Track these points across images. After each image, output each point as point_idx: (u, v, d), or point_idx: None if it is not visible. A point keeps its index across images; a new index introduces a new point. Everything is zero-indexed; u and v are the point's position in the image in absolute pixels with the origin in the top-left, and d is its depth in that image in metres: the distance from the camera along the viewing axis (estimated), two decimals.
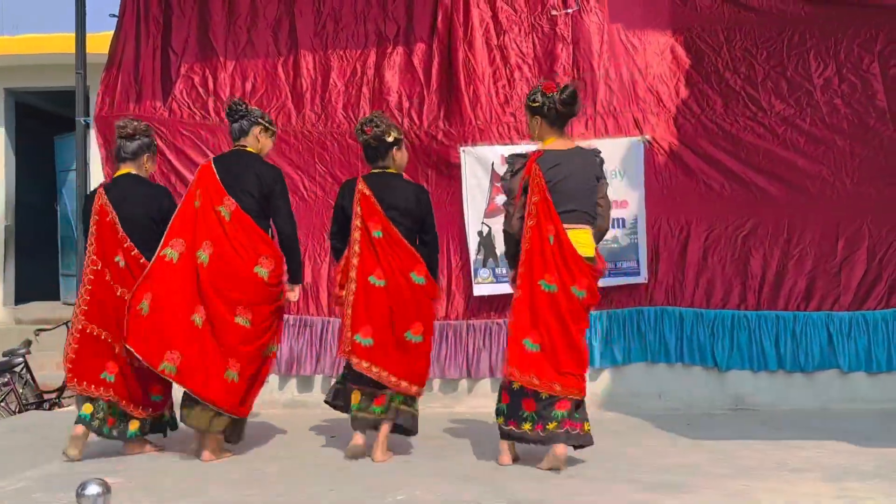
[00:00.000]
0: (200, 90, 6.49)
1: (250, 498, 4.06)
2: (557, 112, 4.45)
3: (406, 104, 6.36)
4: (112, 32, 6.67)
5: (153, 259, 4.69)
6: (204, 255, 4.67)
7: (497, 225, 6.17)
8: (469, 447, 5.06)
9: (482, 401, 6.20)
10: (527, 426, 4.39)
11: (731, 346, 6.11)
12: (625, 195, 6.13)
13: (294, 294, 4.91)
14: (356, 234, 4.67)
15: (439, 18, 6.35)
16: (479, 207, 6.20)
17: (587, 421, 4.43)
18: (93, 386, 4.77)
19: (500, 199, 6.16)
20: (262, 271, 4.70)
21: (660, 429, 5.44)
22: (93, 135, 6.69)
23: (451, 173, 6.22)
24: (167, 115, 6.44)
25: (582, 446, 4.45)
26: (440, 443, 5.21)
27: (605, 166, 4.55)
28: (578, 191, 4.38)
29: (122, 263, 4.77)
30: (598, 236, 4.50)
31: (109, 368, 4.79)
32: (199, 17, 6.53)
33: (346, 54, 6.46)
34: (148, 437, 5.04)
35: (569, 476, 4.36)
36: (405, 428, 4.81)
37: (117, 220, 4.78)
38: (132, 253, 4.77)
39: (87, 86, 6.77)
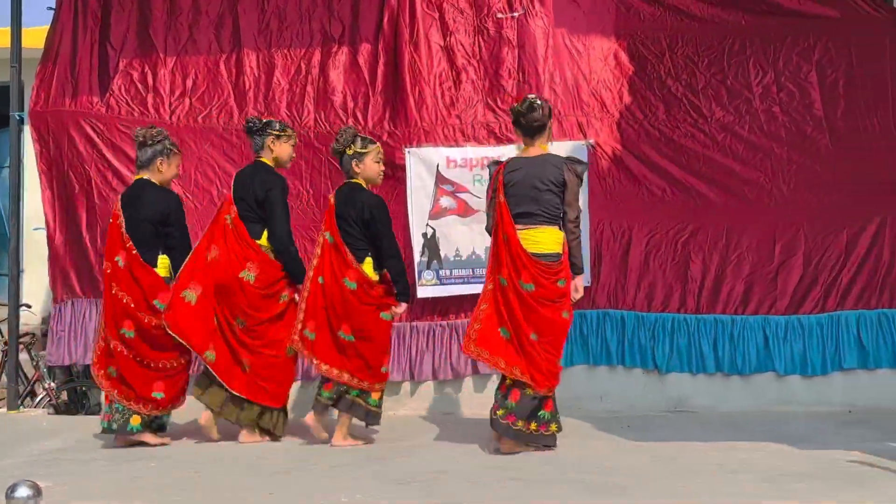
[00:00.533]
0: (139, 86, 6.36)
1: (181, 503, 3.98)
2: (522, 123, 4.91)
3: (351, 104, 6.31)
4: (49, 26, 6.50)
5: (194, 253, 5.08)
6: (210, 259, 5.12)
7: (441, 227, 6.16)
8: (410, 450, 5.03)
9: (424, 403, 6.17)
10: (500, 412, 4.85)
11: (671, 348, 6.18)
12: None
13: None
14: (319, 239, 5.15)
15: (385, 19, 6.32)
16: (424, 209, 6.18)
17: (554, 423, 4.87)
18: (102, 381, 5.14)
19: (445, 200, 6.16)
20: (249, 276, 5.07)
21: (601, 431, 5.47)
22: (27, 130, 6.51)
23: (395, 174, 6.18)
24: (104, 111, 6.30)
25: (547, 447, 4.86)
26: (381, 446, 5.18)
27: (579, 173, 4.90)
28: (527, 195, 4.81)
29: (121, 263, 5.04)
30: (570, 239, 4.88)
31: (113, 364, 5.07)
32: (138, 11, 6.40)
33: (290, 53, 6.39)
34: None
35: (510, 479, 4.36)
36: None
37: (123, 222, 5.07)
38: (133, 253, 5.04)
39: (22, 80, 6.59)
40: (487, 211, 5.05)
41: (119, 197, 5.25)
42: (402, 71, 6.25)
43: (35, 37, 7.14)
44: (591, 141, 6.20)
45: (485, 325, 4.88)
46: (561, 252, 4.87)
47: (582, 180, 4.99)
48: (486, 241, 6.12)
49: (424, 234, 6.15)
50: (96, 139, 6.26)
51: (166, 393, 5.07)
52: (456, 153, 6.18)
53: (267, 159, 5.27)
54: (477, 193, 6.12)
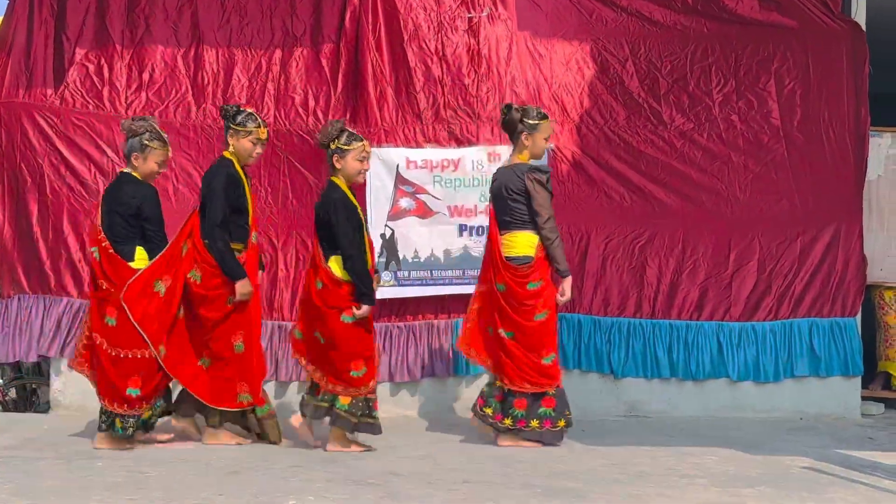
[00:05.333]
0: (95, 79, 6.24)
1: (132, 502, 3.91)
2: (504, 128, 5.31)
3: (312, 103, 6.26)
4: (3, 17, 6.38)
5: (171, 244, 5.01)
6: (184, 253, 5.08)
7: (400, 228, 6.13)
8: (365, 452, 5.00)
9: (381, 405, 6.12)
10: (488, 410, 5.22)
11: (626, 353, 6.21)
12: None
13: (238, 297, 5.01)
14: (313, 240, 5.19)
15: (347, 18, 6.28)
16: (383, 209, 6.14)
17: (534, 419, 5.08)
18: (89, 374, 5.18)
19: (404, 201, 6.14)
20: (195, 275, 5.02)
21: None
22: None
23: None
24: (59, 104, 6.18)
25: (539, 441, 5.10)
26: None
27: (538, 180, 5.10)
28: (503, 204, 5.17)
29: (96, 255, 5.04)
30: (546, 245, 5.12)
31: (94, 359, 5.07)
32: (95, 3, 6.28)
33: (250, 49, 6.32)
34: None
35: (464, 481, 4.35)
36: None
37: (99, 215, 5.06)
38: (103, 244, 5.01)
39: None
40: None
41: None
42: (364, 70, 6.22)
43: None
44: (552, 145, 6.19)
45: (473, 324, 5.34)
46: (533, 255, 5.12)
47: (546, 187, 5.12)
48: (445, 243, 6.13)
49: (383, 235, 6.12)
50: (50, 132, 6.14)
51: (142, 390, 4.92)
52: (416, 154, 6.16)
53: (228, 153, 5.11)
54: (436, 195, 6.11)
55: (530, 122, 5.20)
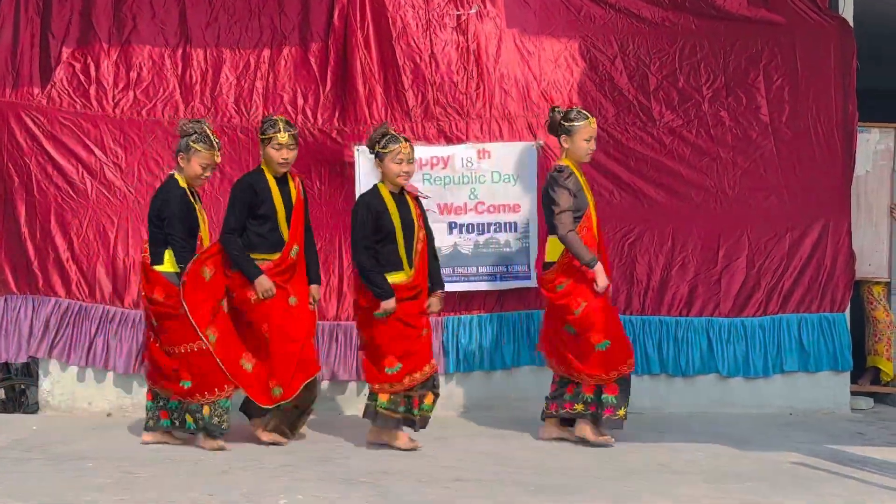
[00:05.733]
0: (82, 78, 6.20)
1: (122, 503, 3.90)
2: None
3: (300, 101, 6.24)
4: None
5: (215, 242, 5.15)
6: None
7: None
8: (356, 451, 5.00)
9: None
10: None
11: None
12: (517, 199, 6.17)
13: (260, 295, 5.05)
14: None
15: (336, 16, 6.25)
16: None
17: (622, 408, 5.11)
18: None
19: None
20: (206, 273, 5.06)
21: None
22: None
23: (344, 172, 6.13)
24: (45, 103, 6.14)
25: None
26: (326, 446, 5.13)
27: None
28: (544, 208, 5.27)
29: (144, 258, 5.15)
30: (561, 241, 5.12)
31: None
32: (81, 1, 6.24)
33: (239, 48, 6.29)
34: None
35: (455, 479, 4.35)
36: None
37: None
38: (144, 246, 5.13)
39: None
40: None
41: None
42: (353, 68, 6.20)
43: None
44: (541, 142, 6.21)
45: (543, 326, 5.50)
46: (556, 260, 5.16)
47: (561, 183, 5.13)
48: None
49: None
50: (37, 132, 6.10)
51: (192, 381, 4.93)
52: None
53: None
54: (425, 192, 6.09)
55: (566, 124, 5.21)
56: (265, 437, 5.09)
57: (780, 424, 5.88)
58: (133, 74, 6.22)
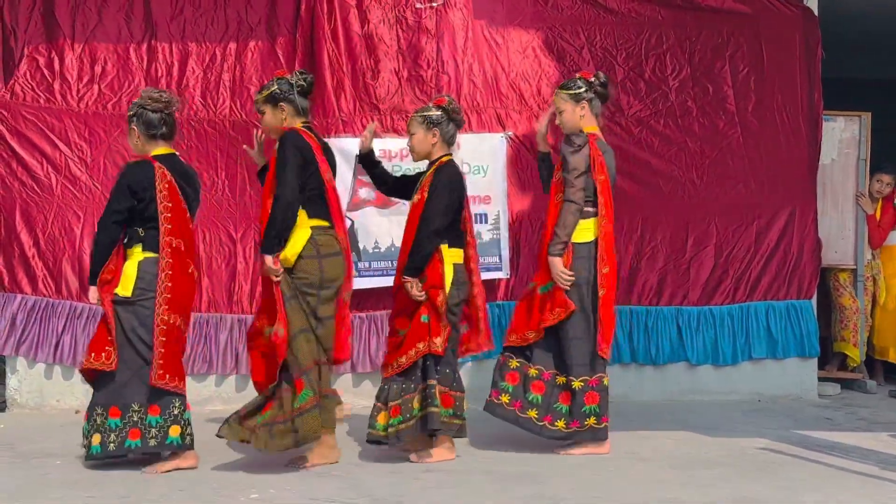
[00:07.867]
0: (46, 72, 6.12)
1: (91, 500, 3.87)
2: (600, 97, 4.98)
3: None
4: None
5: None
6: None
7: (360, 218, 6.10)
8: None
9: (344, 396, 6.10)
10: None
11: None
12: (488, 191, 6.17)
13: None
14: None
15: (303, 8, 6.21)
16: (343, 200, 6.07)
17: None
18: None
19: (364, 192, 6.10)
20: None
21: None
22: None
23: None
24: (9, 98, 6.06)
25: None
26: None
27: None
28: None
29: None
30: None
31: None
32: None
33: (205, 40, 6.24)
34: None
35: (426, 470, 4.36)
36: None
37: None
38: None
39: None
40: (577, 181, 4.97)
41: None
42: (321, 61, 6.16)
43: None
44: (509, 133, 6.21)
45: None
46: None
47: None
48: None
49: None
50: (0, 127, 6.03)
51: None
52: (375, 144, 6.09)
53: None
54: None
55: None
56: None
57: (748, 411, 5.94)
58: (98, 68, 6.15)
